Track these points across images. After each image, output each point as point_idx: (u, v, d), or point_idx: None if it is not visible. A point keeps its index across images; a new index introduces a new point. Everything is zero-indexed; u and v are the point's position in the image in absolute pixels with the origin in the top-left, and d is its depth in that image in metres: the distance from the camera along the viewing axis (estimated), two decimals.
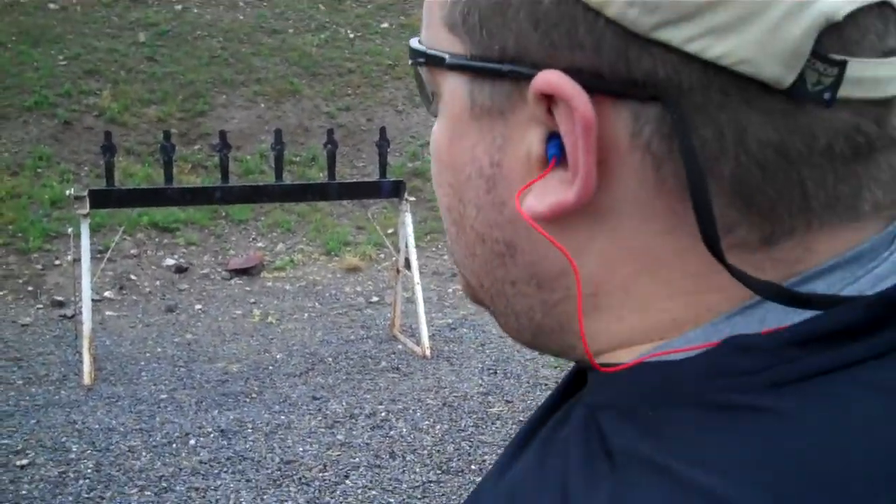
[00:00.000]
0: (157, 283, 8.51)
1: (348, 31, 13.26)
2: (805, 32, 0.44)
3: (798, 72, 0.44)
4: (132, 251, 8.89)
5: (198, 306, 8.07)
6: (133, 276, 8.54)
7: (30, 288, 8.17)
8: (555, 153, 0.49)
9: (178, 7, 13.00)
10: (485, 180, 0.53)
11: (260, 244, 9.42)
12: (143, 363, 6.73)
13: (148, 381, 6.38)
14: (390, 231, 9.12)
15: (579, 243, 0.51)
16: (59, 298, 7.96)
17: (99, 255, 7.92)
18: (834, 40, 0.44)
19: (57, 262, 8.55)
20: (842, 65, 0.44)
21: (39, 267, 8.48)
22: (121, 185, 8.03)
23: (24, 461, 5.09)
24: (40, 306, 7.91)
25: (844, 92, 0.45)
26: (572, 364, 0.61)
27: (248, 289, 8.55)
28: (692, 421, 0.46)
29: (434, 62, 0.53)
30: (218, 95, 11.33)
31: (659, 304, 0.51)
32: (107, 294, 8.15)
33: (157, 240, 9.16)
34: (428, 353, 6.84)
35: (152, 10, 12.78)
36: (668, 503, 0.42)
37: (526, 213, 0.51)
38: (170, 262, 8.84)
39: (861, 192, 0.48)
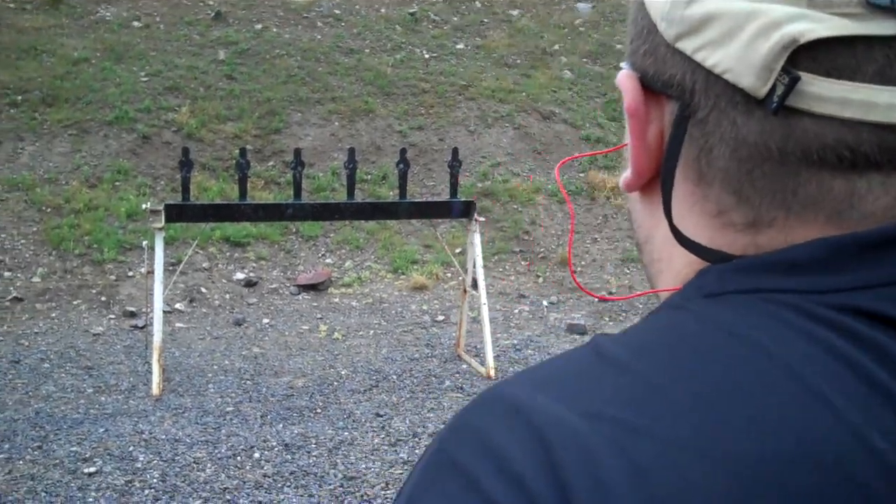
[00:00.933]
0: (227, 296, 8.62)
1: (424, 52, 13.34)
2: (771, 49, 0.52)
3: (770, 84, 0.53)
4: (204, 264, 9.02)
5: (265, 320, 8.15)
6: (204, 289, 8.66)
7: (103, 298, 8.33)
8: None
9: (258, 26, 13.21)
10: None
11: (328, 260, 9.49)
12: (210, 375, 6.81)
13: (215, 393, 6.45)
14: (458, 250, 9.12)
15: (657, 218, 0.64)
16: (131, 309, 8.11)
17: (171, 268, 8.05)
18: (814, 62, 0.53)
19: (130, 274, 8.71)
20: (794, 80, 0.52)
21: (113, 278, 8.64)
22: (195, 200, 8.17)
23: (92, 469, 5.17)
24: (112, 316, 8.06)
25: (806, 105, 0.53)
26: None
27: (315, 304, 8.62)
28: (657, 313, 0.59)
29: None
30: (293, 113, 11.47)
31: (683, 269, 0.63)
32: (177, 306, 8.28)
33: (228, 254, 9.28)
34: (493, 373, 6.80)
35: (233, 29, 13.00)
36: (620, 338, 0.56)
37: (622, 185, 0.66)
38: (240, 276, 8.95)
39: (853, 199, 0.54)
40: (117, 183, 9.92)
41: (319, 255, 9.58)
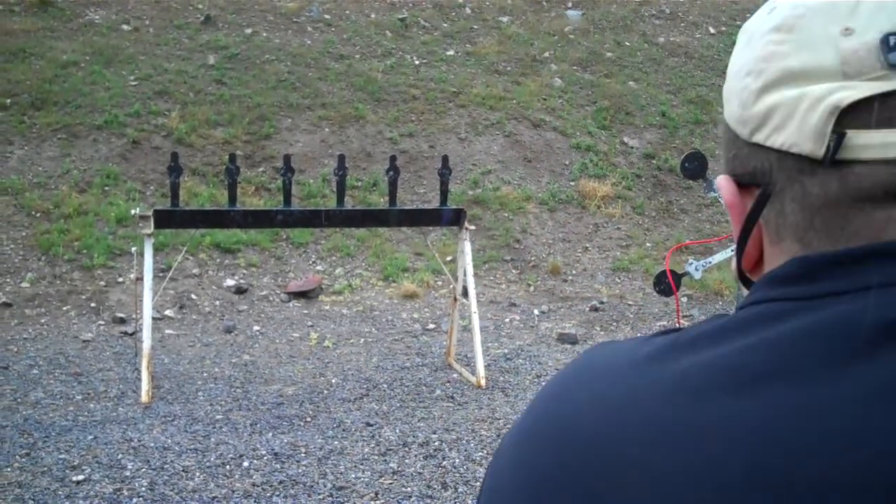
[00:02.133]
0: (217, 303, 8.59)
1: (414, 58, 13.34)
2: (821, 117, 0.66)
3: (826, 144, 0.66)
4: (194, 271, 8.99)
5: (256, 328, 8.13)
6: (194, 296, 8.63)
7: (92, 304, 8.29)
8: None
9: (248, 31, 13.19)
10: None
11: (319, 267, 9.47)
12: (199, 383, 6.78)
13: (204, 400, 6.42)
14: (449, 258, 9.12)
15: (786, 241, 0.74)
16: (121, 315, 8.07)
17: (161, 274, 8.02)
18: (856, 119, 0.65)
19: (120, 280, 8.67)
20: (840, 136, 0.65)
21: (103, 284, 8.61)
22: (185, 205, 8.14)
23: (80, 477, 5.14)
24: (102, 323, 8.02)
25: (855, 155, 0.65)
26: None
27: (305, 312, 8.60)
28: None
29: None
30: (283, 119, 11.45)
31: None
32: (167, 312, 8.24)
33: (218, 260, 9.26)
34: (483, 382, 6.79)
35: (222, 34, 12.98)
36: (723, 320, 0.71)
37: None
38: (230, 282, 8.92)
39: (889, 225, 0.66)
40: (107, 188, 9.89)
41: (310, 262, 9.56)
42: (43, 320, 7.96)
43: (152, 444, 5.60)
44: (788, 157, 0.69)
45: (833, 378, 0.61)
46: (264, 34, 13.20)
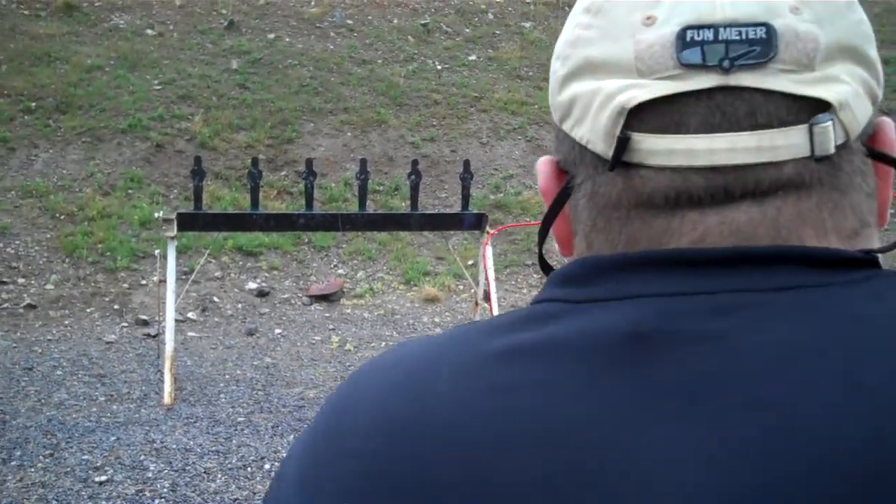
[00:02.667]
0: (239, 305, 8.62)
1: (436, 63, 13.36)
2: (609, 117, 0.62)
3: (614, 146, 0.62)
4: (216, 274, 9.03)
5: (277, 330, 8.15)
6: (216, 299, 8.67)
7: (116, 306, 8.34)
8: None
9: (271, 36, 13.25)
10: None
11: (341, 271, 9.49)
12: (222, 385, 6.81)
13: (226, 402, 6.45)
14: (470, 263, 9.11)
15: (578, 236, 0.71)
16: (144, 317, 8.11)
17: (184, 277, 8.05)
18: (643, 122, 0.61)
19: (143, 282, 8.72)
20: (622, 141, 0.61)
21: (126, 286, 8.65)
22: (208, 209, 8.18)
23: (103, 478, 5.17)
24: (125, 325, 8.06)
25: (640, 159, 0.61)
26: None
27: (327, 315, 8.61)
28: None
29: None
30: (306, 123, 11.49)
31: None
32: (190, 315, 8.28)
33: (240, 263, 9.29)
34: None
35: (245, 39, 13.04)
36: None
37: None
38: (252, 285, 8.96)
39: (665, 236, 0.62)
40: (130, 191, 9.95)
41: (331, 265, 9.58)
42: (67, 322, 8.01)
43: (174, 446, 5.63)
44: (588, 152, 0.65)
45: (575, 396, 0.57)
46: (287, 39, 13.26)
